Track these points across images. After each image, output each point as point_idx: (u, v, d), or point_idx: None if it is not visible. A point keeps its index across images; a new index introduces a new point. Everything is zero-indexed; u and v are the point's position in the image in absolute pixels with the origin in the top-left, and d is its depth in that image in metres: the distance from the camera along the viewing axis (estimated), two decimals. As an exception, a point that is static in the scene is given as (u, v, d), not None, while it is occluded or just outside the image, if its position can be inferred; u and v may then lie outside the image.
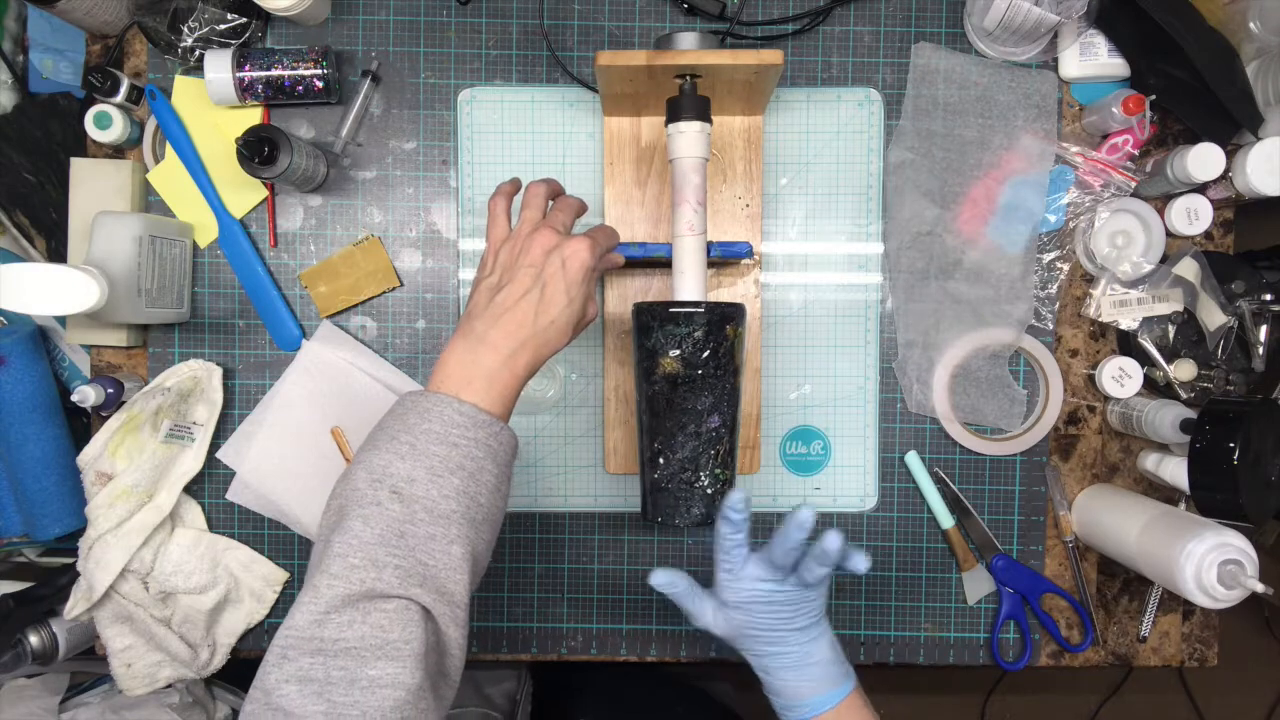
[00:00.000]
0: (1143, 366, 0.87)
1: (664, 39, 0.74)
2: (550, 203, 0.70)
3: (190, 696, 1.00)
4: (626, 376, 0.87)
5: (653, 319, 0.70)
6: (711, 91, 0.76)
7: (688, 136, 0.72)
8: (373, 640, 0.53)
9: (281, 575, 0.89)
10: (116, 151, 0.88)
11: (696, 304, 0.70)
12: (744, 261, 0.84)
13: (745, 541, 0.68)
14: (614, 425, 0.87)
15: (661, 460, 0.71)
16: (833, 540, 0.64)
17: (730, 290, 0.87)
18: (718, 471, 0.71)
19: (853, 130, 0.89)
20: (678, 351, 0.69)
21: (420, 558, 0.56)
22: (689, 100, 0.72)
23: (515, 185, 0.72)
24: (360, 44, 0.88)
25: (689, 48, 0.72)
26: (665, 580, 0.70)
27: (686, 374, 0.70)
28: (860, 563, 0.66)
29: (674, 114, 0.72)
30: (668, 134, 0.73)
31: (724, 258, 0.81)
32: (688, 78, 0.73)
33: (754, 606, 0.68)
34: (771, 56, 0.71)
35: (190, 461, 0.86)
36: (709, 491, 0.71)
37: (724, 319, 0.70)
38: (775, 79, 0.76)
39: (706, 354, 0.70)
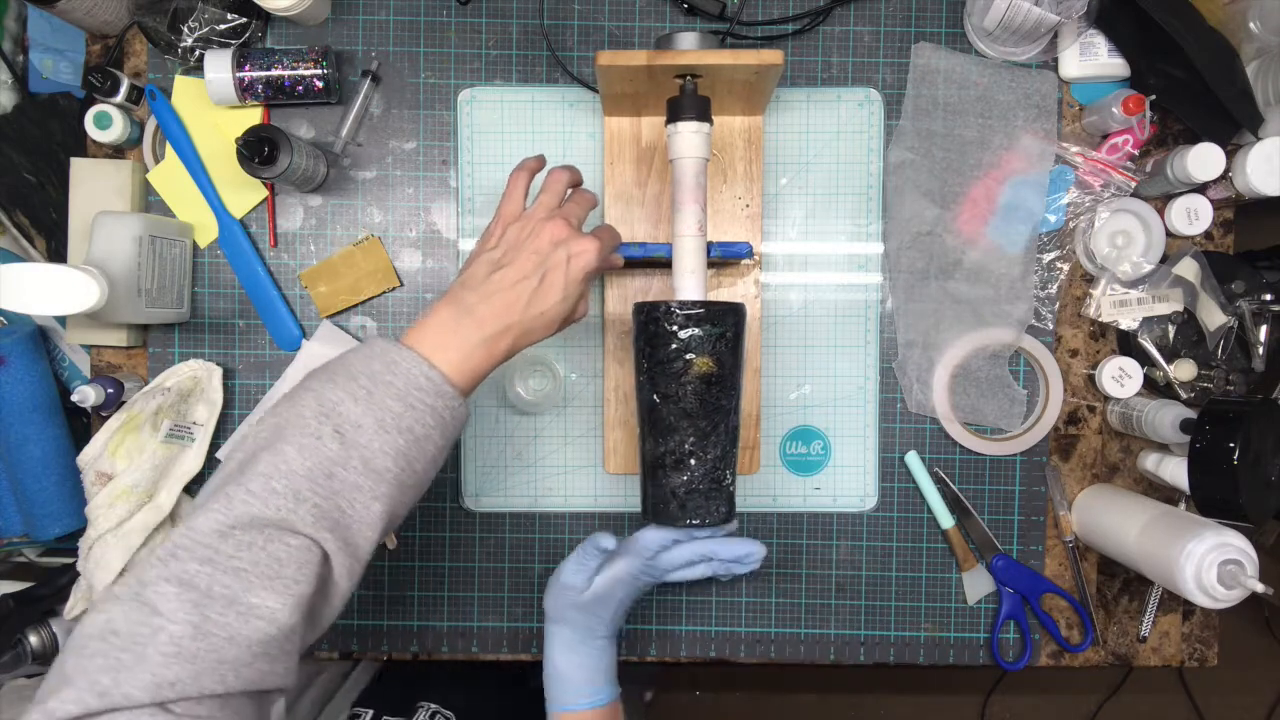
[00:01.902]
0: (1143, 366, 0.87)
1: (664, 39, 0.73)
2: (569, 192, 0.70)
3: (190, 696, 1.00)
4: (626, 376, 0.87)
5: (688, 319, 0.69)
6: (712, 91, 0.76)
7: (688, 137, 0.72)
8: (266, 569, 0.52)
9: (281, 575, 0.89)
10: (116, 151, 0.88)
11: (729, 304, 0.71)
12: (744, 261, 0.84)
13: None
14: (614, 425, 0.87)
15: (693, 461, 0.70)
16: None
17: (730, 290, 0.87)
18: (734, 469, 0.72)
19: (853, 130, 0.89)
20: (713, 350, 0.69)
21: (340, 504, 0.55)
22: (690, 100, 0.72)
23: (540, 162, 0.71)
24: (360, 44, 0.88)
25: (689, 48, 0.72)
26: (610, 544, 0.75)
27: (720, 373, 0.70)
28: (756, 550, 0.74)
29: (675, 114, 0.72)
30: (668, 134, 0.73)
31: (724, 258, 0.81)
32: (688, 78, 0.73)
33: (616, 587, 0.73)
34: (771, 56, 0.71)
35: (190, 461, 0.86)
36: (730, 489, 0.72)
37: (743, 318, 0.72)
38: (775, 79, 0.76)
39: (735, 352, 0.71)
